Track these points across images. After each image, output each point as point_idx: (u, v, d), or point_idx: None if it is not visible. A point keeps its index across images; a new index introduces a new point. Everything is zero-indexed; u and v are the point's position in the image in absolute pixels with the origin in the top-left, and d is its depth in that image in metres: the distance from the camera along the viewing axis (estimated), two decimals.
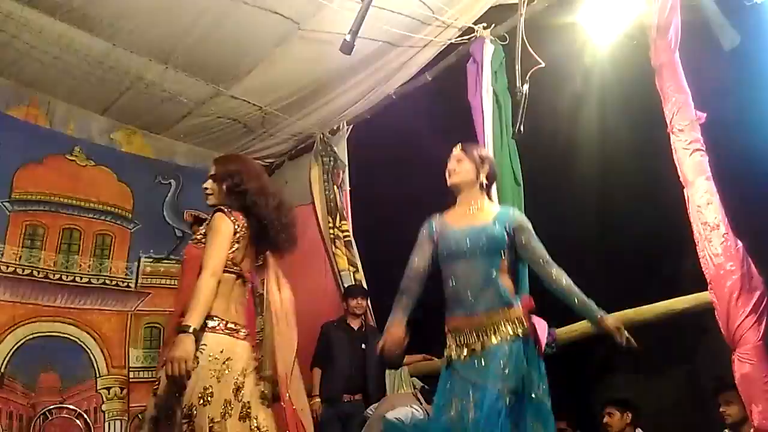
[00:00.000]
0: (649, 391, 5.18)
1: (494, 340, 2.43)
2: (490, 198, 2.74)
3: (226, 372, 2.33)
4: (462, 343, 2.49)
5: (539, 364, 2.50)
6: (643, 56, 3.08)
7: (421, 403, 4.07)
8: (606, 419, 3.99)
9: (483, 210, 2.63)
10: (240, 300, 2.52)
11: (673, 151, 2.92)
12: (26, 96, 4.49)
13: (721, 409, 3.49)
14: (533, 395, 2.41)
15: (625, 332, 2.40)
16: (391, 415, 3.87)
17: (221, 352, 2.33)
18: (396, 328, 2.59)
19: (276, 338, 2.86)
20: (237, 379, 2.36)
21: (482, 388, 2.37)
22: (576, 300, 2.43)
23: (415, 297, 2.66)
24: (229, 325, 2.40)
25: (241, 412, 2.35)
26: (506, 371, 2.36)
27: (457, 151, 2.73)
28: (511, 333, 2.43)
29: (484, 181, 2.66)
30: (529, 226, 2.61)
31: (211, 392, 2.27)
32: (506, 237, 2.53)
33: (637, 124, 4.08)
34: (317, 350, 4.59)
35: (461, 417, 2.39)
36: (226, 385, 2.31)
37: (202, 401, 2.24)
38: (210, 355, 2.30)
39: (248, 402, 2.40)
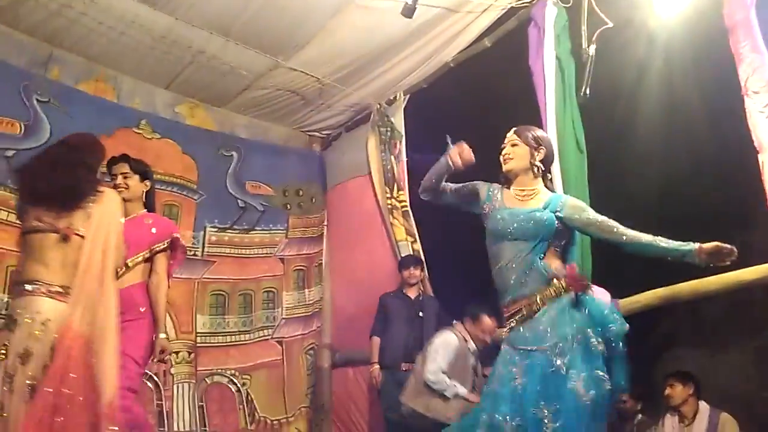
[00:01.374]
0: (714, 365, 5.05)
1: (541, 308, 2.45)
2: (546, 182, 2.71)
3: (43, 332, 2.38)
4: (514, 320, 2.53)
5: (598, 312, 2.43)
6: (715, 15, 2.94)
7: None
8: (667, 391, 3.93)
9: (536, 194, 2.63)
10: (58, 259, 2.52)
11: (747, 114, 2.79)
12: (94, 71, 4.64)
13: None
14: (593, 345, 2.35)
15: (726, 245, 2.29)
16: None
17: (38, 313, 2.40)
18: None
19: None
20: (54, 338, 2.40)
21: (530, 354, 2.40)
22: (664, 246, 2.36)
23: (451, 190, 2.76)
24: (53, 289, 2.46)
25: None
26: (550, 332, 2.38)
27: (511, 135, 2.71)
28: (554, 294, 2.44)
29: (540, 165, 2.65)
30: (584, 205, 2.61)
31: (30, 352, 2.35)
32: (556, 222, 2.53)
33: (708, 87, 3.91)
34: (376, 320, 4.68)
35: (505, 385, 2.41)
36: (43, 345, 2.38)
37: (20, 361, 2.33)
38: (28, 317, 2.39)
39: None
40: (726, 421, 3.76)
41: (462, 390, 3.94)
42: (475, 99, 4.64)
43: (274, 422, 5.07)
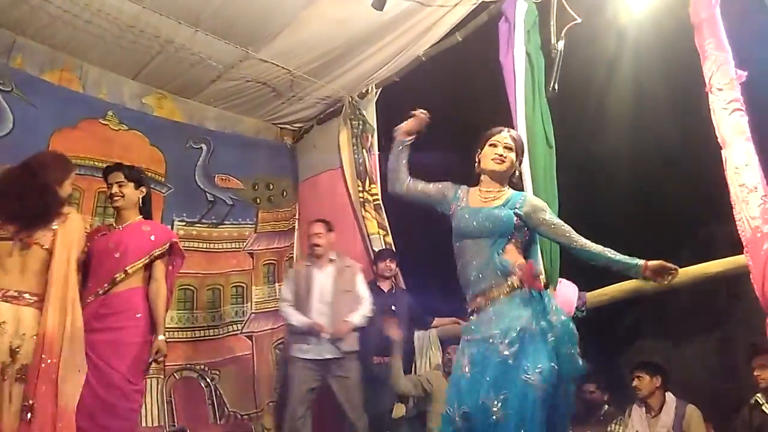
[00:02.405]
0: (680, 356, 5.16)
1: (498, 300, 2.50)
2: (512, 181, 2.76)
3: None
4: (474, 311, 2.59)
5: (546, 307, 2.49)
6: (682, 12, 2.98)
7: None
8: (635, 383, 3.99)
9: (500, 194, 2.67)
10: (18, 266, 2.74)
11: (712, 111, 2.84)
12: (59, 60, 4.52)
13: (755, 373, 3.47)
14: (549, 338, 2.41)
15: (670, 265, 2.37)
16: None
17: None
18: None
19: None
20: (12, 341, 2.60)
21: (479, 343, 2.47)
22: (611, 257, 2.43)
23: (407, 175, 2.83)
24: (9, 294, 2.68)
25: (17, 375, 2.60)
26: (498, 322, 2.44)
27: (507, 138, 2.72)
28: (515, 288, 2.49)
29: (517, 174, 2.75)
30: (543, 205, 2.65)
31: None
32: (515, 220, 2.57)
33: (674, 83, 3.97)
34: None
35: (458, 375, 2.49)
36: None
37: None
38: None
39: (26, 365, 2.62)
40: (692, 412, 3.84)
41: (298, 318, 4.27)
42: (447, 93, 4.64)
43: (244, 417, 5.03)
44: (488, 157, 2.68)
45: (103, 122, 4.72)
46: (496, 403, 2.31)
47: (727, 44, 2.83)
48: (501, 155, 2.67)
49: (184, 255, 3.60)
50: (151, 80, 4.96)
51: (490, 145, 2.70)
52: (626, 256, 2.41)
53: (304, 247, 5.73)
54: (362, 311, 4.31)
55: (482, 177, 2.73)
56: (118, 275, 3.19)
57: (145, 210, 3.45)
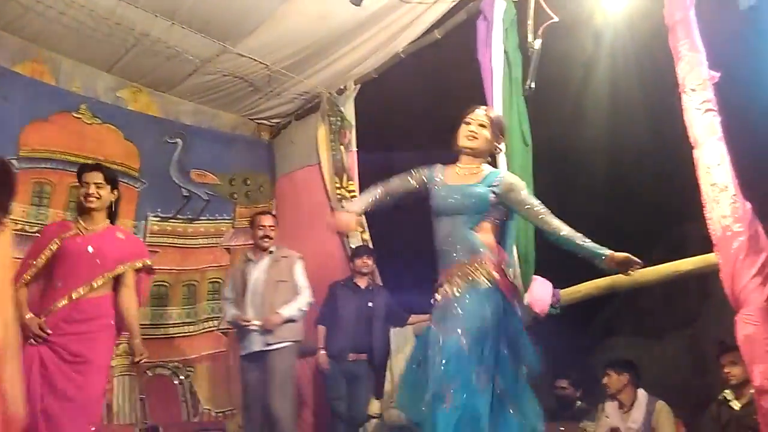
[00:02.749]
0: (652, 353, 5.24)
1: (463, 289, 2.54)
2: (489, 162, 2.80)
3: None
4: (442, 293, 2.63)
5: (513, 314, 2.59)
6: (658, 13, 3.02)
7: None
8: (605, 380, 4.05)
9: (478, 172, 2.71)
10: None
11: (685, 111, 2.88)
12: (32, 52, 4.43)
13: (725, 370, 3.53)
14: (510, 344, 2.50)
15: (635, 258, 2.41)
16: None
17: None
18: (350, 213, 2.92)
19: None
20: None
21: (447, 334, 2.49)
22: (580, 244, 2.48)
23: (383, 199, 2.84)
24: None
25: None
26: (466, 315, 2.48)
27: (482, 115, 2.75)
28: (481, 281, 2.53)
29: (496, 153, 2.80)
30: (521, 185, 2.68)
31: None
32: (490, 196, 2.61)
33: (649, 84, 4.03)
34: (323, 308, 4.65)
35: (432, 363, 2.50)
36: None
37: None
38: None
39: None
40: (661, 408, 3.90)
41: (230, 313, 4.31)
42: (425, 90, 4.65)
43: (218, 414, 4.99)
44: (462, 134, 2.74)
45: (76, 116, 4.64)
46: (451, 391, 2.36)
47: (701, 45, 2.87)
48: (473, 131, 2.71)
49: (154, 273, 3.66)
50: (126, 73, 4.89)
51: (465, 123, 2.75)
52: (595, 245, 2.45)
53: (281, 243, 5.70)
54: (299, 302, 4.25)
55: (460, 156, 2.77)
56: (96, 280, 3.17)
57: (114, 214, 3.42)
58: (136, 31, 4.31)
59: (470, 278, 2.55)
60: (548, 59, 3.43)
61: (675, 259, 3.35)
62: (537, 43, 3.26)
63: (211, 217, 5.34)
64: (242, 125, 5.77)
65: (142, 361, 3.39)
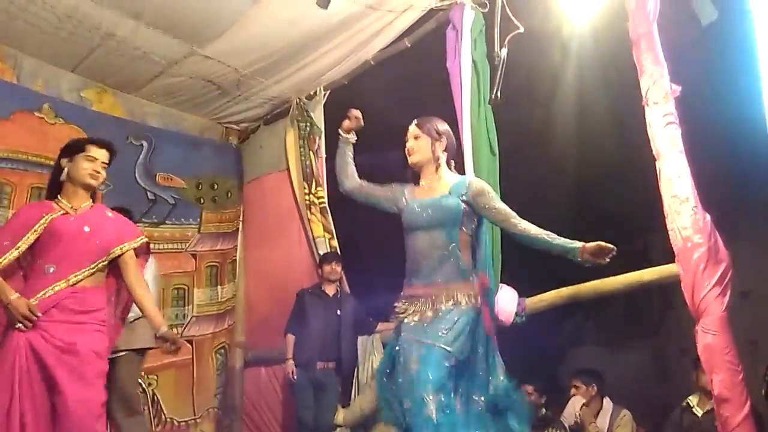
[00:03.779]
0: (615, 362, 5.30)
1: (445, 308, 2.53)
2: (450, 167, 2.81)
3: None
4: (416, 309, 2.59)
5: (488, 340, 2.63)
6: (622, 27, 3.07)
7: None
8: (573, 391, 4.08)
9: (441, 182, 2.72)
10: None
11: (648, 124, 2.93)
12: None
13: (702, 375, 3.59)
14: (482, 371, 2.56)
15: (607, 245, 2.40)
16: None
17: None
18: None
19: None
20: None
21: (428, 346, 2.47)
22: (551, 241, 2.48)
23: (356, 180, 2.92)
24: None
25: None
26: (452, 334, 2.47)
27: (412, 128, 2.81)
28: (464, 303, 2.54)
29: (442, 156, 2.75)
30: (488, 189, 2.70)
31: None
32: (462, 206, 2.62)
33: (614, 96, 4.08)
34: (292, 316, 4.61)
35: (404, 371, 2.49)
36: None
37: None
38: None
39: None
40: (624, 416, 3.95)
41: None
42: (395, 97, 4.65)
43: (182, 423, 4.90)
44: (407, 154, 2.80)
45: (38, 115, 4.52)
46: (432, 399, 2.36)
47: (663, 59, 2.92)
48: (410, 147, 2.78)
49: (149, 255, 3.29)
50: (91, 73, 4.79)
51: (405, 141, 2.82)
52: (566, 240, 2.47)
53: (249, 249, 5.66)
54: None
55: (417, 173, 2.82)
56: (97, 263, 2.85)
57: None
58: (101, 31, 4.22)
59: (454, 299, 2.54)
60: (516, 70, 3.46)
61: (641, 268, 3.39)
62: (503, 53, 3.29)
63: (177, 222, 5.26)
64: (210, 129, 5.70)
65: (173, 349, 2.95)
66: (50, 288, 2.72)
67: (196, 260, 5.35)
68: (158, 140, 5.19)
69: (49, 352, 2.63)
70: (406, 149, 2.79)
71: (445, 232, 2.61)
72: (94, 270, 2.85)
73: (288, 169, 5.26)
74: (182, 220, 5.31)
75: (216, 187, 5.61)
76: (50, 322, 2.67)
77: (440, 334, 2.47)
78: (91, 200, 2.99)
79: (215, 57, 4.59)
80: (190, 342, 5.15)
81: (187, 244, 5.31)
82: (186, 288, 5.24)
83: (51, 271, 2.76)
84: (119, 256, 2.93)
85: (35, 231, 2.78)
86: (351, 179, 2.92)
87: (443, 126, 2.82)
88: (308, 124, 5.12)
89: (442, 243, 2.60)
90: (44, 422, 2.59)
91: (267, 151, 5.57)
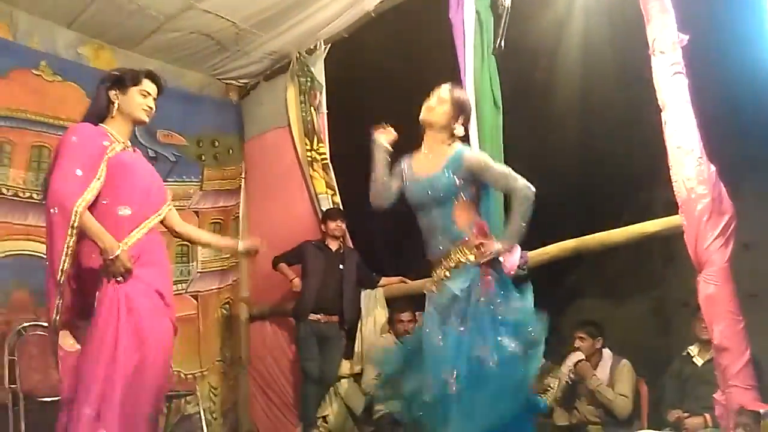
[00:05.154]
0: (617, 314, 5.35)
1: (453, 272, 2.59)
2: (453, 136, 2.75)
3: None
4: (435, 279, 2.68)
5: (503, 284, 2.62)
6: None
7: None
8: (577, 343, 4.09)
9: (441, 154, 2.68)
10: None
11: (654, 73, 2.88)
12: None
13: (703, 326, 3.61)
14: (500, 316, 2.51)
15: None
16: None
17: None
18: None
19: None
20: None
21: (446, 320, 2.53)
22: (510, 216, 2.59)
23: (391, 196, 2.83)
24: None
25: None
26: (459, 298, 2.51)
27: (444, 92, 2.73)
28: (464, 261, 2.58)
29: (456, 132, 2.72)
30: (483, 161, 2.67)
31: None
32: (456, 181, 2.61)
33: (620, 46, 4.02)
34: (288, 254, 4.67)
35: (430, 346, 2.55)
36: None
37: None
38: None
39: None
40: (623, 365, 3.99)
41: None
42: (397, 50, 4.58)
43: (188, 376, 4.99)
44: (423, 107, 2.75)
45: (36, 72, 4.46)
46: (452, 376, 2.38)
47: (671, 7, 2.86)
48: (431, 106, 2.72)
49: None
50: (87, 29, 4.70)
51: (428, 96, 2.75)
52: (512, 229, 2.60)
53: (251, 206, 5.66)
54: None
55: (425, 132, 2.76)
56: (163, 209, 2.63)
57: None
58: None
59: (455, 263, 2.60)
60: (520, 20, 3.40)
61: (645, 220, 3.38)
62: (507, 1, 3.23)
63: (178, 179, 5.24)
64: (210, 85, 5.63)
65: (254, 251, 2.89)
66: (131, 235, 2.43)
67: (198, 217, 5.35)
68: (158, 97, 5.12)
69: (145, 306, 2.40)
70: (426, 103, 2.73)
71: (442, 209, 2.64)
72: (162, 215, 2.63)
73: (289, 125, 5.22)
74: (184, 177, 5.28)
75: (217, 144, 5.57)
76: (136, 277, 2.39)
77: (451, 302, 2.53)
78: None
79: (213, 11, 4.50)
80: (195, 297, 5.20)
81: (190, 201, 5.31)
82: (189, 245, 5.25)
83: (127, 213, 2.45)
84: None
85: (105, 161, 2.44)
86: (388, 200, 2.83)
87: (469, 104, 2.84)
88: (309, 79, 5.05)
89: (440, 219, 2.64)
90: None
91: (267, 107, 5.51)
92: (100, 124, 2.57)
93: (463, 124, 2.74)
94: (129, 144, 2.64)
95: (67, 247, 2.32)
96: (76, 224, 2.31)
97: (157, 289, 2.48)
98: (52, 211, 2.33)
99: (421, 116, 2.73)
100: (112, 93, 2.61)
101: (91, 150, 2.44)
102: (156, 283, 2.48)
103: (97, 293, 2.37)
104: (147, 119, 2.67)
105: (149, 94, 2.67)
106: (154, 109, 2.68)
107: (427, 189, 2.65)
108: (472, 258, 2.57)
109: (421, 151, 2.77)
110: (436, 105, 2.71)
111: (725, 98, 3.66)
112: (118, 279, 2.35)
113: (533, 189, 2.55)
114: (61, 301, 2.36)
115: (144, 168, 2.65)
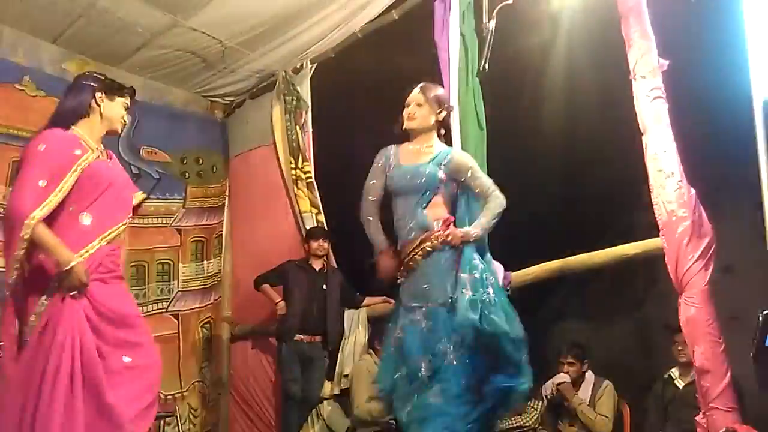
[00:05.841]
0: (600, 336, 5.36)
1: (420, 259, 2.69)
2: (439, 136, 2.89)
3: None
4: (403, 269, 2.77)
5: (470, 260, 2.69)
6: (610, 0, 3.05)
7: None
8: (566, 368, 4.08)
9: (429, 150, 2.81)
10: None
11: (635, 98, 2.92)
12: None
13: (679, 349, 3.65)
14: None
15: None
16: None
17: None
18: (386, 256, 2.83)
19: None
20: None
21: (412, 311, 2.68)
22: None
23: (379, 219, 2.90)
24: None
25: None
26: (427, 289, 2.65)
27: (416, 93, 2.84)
28: (429, 249, 2.68)
29: (440, 126, 2.87)
30: (469, 164, 2.80)
31: None
32: (439, 175, 2.73)
33: (602, 70, 4.06)
34: (270, 273, 4.64)
35: (403, 341, 2.68)
36: None
37: None
38: None
39: None
40: (605, 386, 4.00)
41: None
42: (382, 71, 4.61)
43: (168, 397, 4.91)
44: (404, 117, 2.85)
45: (19, 87, 4.43)
46: (424, 366, 2.54)
47: (652, 33, 2.91)
48: (411, 113, 2.83)
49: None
50: (72, 45, 4.68)
51: (405, 105, 2.86)
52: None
53: (235, 224, 5.63)
54: None
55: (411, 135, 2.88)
56: (129, 216, 2.62)
57: None
58: (82, 1, 4.13)
59: (425, 250, 2.68)
60: (505, 43, 3.44)
61: (626, 242, 3.41)
62: (491, 25, 3.28)
63: (161, 197, 5.21)
64: (195, 102, 5.62)
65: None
66: (90, 245, 2.38)
67: (181, 235, 5.31)
68: (142, 114, 5.09)
69: (100, 323, 2.33)
70: (404, 113, 2.84)
71: (418, 198, 2.73)
72: (126, 225, 2.58)
73: (274, 143, 5.22)
74: (167, 194, 5.25)
75: (201, 161, 5.55)
76: (92, 287, 2.33)
77: (420, 294, 2.66)
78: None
79: (200, 29, 4.51)
80: (176, 316, 5.14)
81: (172, 219, 5.27)
82: (171, 263, 5.21)
83: (87, 222, 2.40)
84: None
85: (74, 171, 2.37)
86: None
87: (444, 94, 2.93)
88: (294, 98, 5.07)
89: (414, 207, 2.73)
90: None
91: (253, 125, 5.51)
92: (72, 128, 2.51)
93: (444, 119, 2.86)
94: (102, 149, 2.60)
95: (15, 260, 2.27)
96: (26, 237, 2.25)
97: (115, 309, 2.41)
98: (8, 223, 2.31)
99: (404, 126, 2.84)
100: (98, 95, 2.58)
101: (59, 160, 2.38)
102: (114, 304, 2.42)
103: (39, 306, 2.30)
104: (119, 128, 2.67)
105: (127, 106, 2.69)
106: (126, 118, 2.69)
107: (409, 175, 2.75)
108: (437, 245, 2.67)
109: (408, 145, 2.87)
110: (415, 110, 2.82)
111: (705, 122, 3.72)
112: (72, 294, 2.28)
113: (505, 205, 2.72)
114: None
115: (117, 178, 2.60)
